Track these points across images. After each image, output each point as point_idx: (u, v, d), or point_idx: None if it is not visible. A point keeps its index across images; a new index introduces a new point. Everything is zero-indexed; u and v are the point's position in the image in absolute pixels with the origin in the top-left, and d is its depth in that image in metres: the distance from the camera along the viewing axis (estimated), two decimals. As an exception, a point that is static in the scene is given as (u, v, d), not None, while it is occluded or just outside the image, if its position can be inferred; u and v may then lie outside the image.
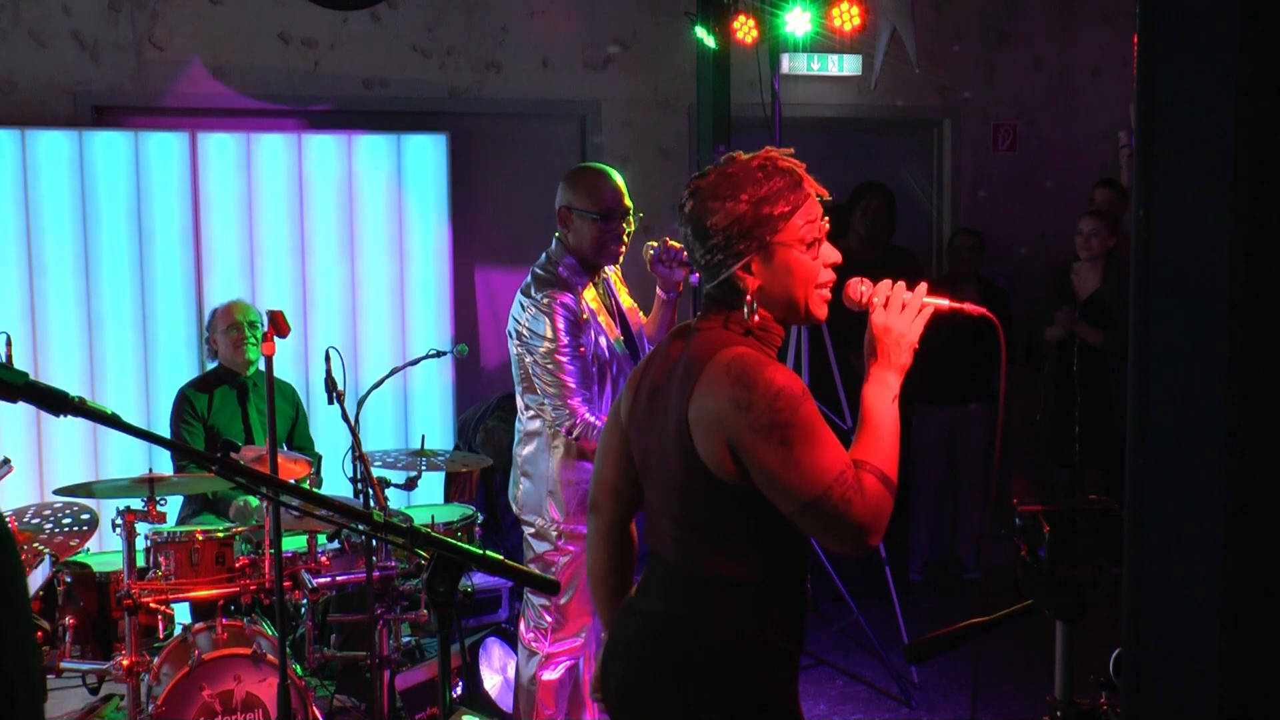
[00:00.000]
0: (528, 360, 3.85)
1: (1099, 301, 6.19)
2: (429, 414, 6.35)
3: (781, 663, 2.34)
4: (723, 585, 2.25)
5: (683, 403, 2.22)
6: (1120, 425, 6.56)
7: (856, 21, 5.67)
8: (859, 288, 2.40)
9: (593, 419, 3.78)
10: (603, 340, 3.89)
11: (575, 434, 3.80)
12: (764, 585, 2.26)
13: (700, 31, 6.06)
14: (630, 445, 2.45)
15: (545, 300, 3.80)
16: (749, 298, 2.25)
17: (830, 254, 2.33)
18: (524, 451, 4.02)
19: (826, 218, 2.34)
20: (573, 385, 3.80)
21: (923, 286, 2.37)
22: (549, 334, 3.78)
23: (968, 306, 2.41)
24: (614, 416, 2.53)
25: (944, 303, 2.38)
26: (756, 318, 2.26)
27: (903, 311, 2.33)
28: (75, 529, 4.59)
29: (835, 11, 5.65)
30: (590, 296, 3.89)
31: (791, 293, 2.28)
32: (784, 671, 2.36)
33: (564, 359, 3.79)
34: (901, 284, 2.36)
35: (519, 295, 3.90)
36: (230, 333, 5.19)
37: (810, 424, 2.14)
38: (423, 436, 5.09)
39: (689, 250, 2.35)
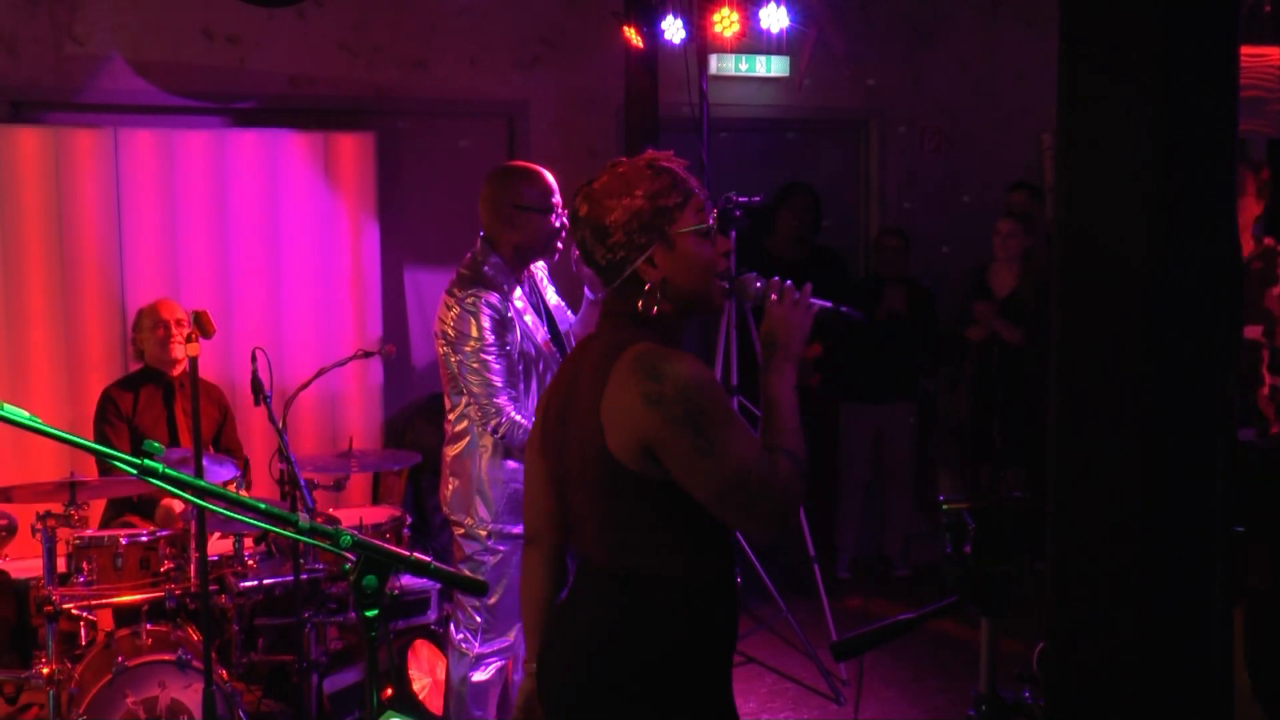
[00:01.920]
0: (453, 360, 3.85)
1: (1016, 301, 6.28)
2: (357, 415, 6.30)
3: (718, 657, 2.35)
4: (653, 584, 2.27)
5: (595, 406, 2.24)
6: (1039, 423, 6.67)
7: (784, 23, 5.71)
8: (754, 282, 2.51)
9: (519, 418, 3.78)
10: (529, 339, 3.89)
11: (501, 433, 3.80)
12: (693, 581, 2.27)
13: (628, 31, 6.06)
14: (550, 464, 2.46)
15: (470, 299, 3.80)
16: (651, 289, 2.31)
17: (723, 244, 2.43)
18: (452, 452, 4.01)
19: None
20: (499, 384, 3.80)
21: (808, 287, 2.48)
22: (474, 333, 3.78)
23: (845, 309, 2.59)
24: (533, 444, 2.54)
25: (827, 304, 2.53)
26: (656, 309, 2.31)
27: (796, 307, 2.43)
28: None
29: (763, 12, 5.69)
30: (516, 295, 3.90)
31: (694, 282, 2.35)
32: (721, 666, 2.37)
33: (489, 358, 3.79)
34: (790, 281, 2.48)
35: (445, 295, 3.89)
36: (157, 330, 5.12)
37: (722, 410, 2.19)
38: (350, 440, 5.04)
39: (587, 254, 2.39)
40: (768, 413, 2.32)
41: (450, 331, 3.83)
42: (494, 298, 3.81)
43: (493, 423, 3.80)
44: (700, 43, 5.82)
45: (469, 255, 3.95)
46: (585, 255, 2.39)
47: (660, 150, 2.49)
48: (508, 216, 3.89)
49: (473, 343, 3.78)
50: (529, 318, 3.91)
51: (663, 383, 2.17)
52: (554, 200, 3.90)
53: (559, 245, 3.95)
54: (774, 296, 2.45)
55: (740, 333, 5.50)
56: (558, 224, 3.89)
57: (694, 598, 2.28)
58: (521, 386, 3.87)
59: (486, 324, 3.79)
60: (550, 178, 3.94)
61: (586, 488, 2.32)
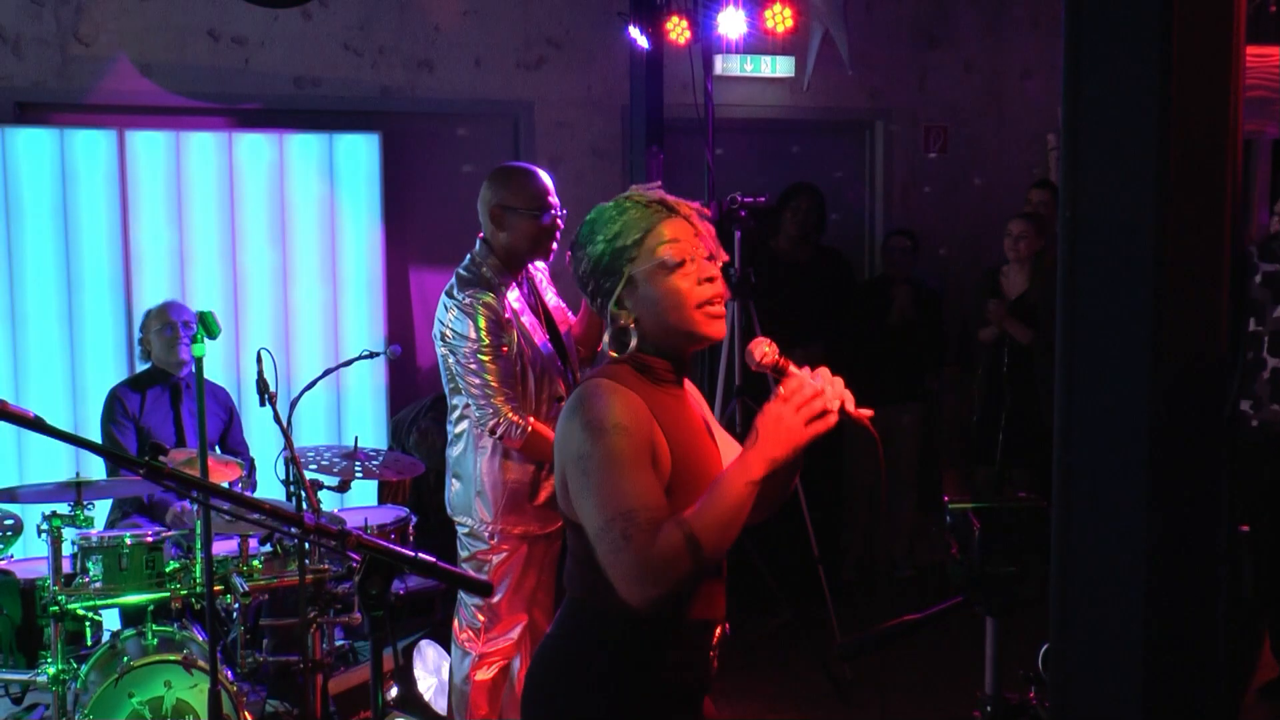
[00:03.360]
0: (451, 361, 3.85)
1: (1027, 303, 6.27)
2: (362, 415, 6.31)
3: (647, 696, 2.31)
4: (600, 616, 2.28)
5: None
6: (1046, 425, 6.67)
7: (790, 23, 5.71)
8: (762, 347, 2.26)
9: (517, 418, 3.78)
10: (526, 341, 3.89)
11: (499, 433, 3.80)
12: (631, 618, 2.21)
13: (633, 32, 6.06)
14: None
15: (468, 300, 3.80)
16: (619, 330, 2.29)
17: (706, 270, 2.28)
18: (454, 453, 4.02)
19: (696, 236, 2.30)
20: (496, 384, 3.79)
21: (838, 383, 2.26)
22: (472, 334, 3.78)
23: (864, 415, 2.28)
24: None
25: (849, 407, 2.25)
26: (631, 348, 2.29)
27: (799, 412, 2.19)
28: (-1, 534, 4.51)
29: (769, 13, 5.69)
30: (514, 297, 3.90)
31: (666, 318, 2.27)
32: (649, 704, 2.32)
33: (487, 359, 3.79)
34: (818, 373, 2.25)
35: (443, 297, 3.90)
36: (164, 332, 5.12)
37: (615, 457, 2.14)
38: (355, 438, 5.05)
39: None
40: (710, 486, 2.18)
41: (448, 333, 3.84)
42: (491, 299, 3.82)
43: (491, 423, 3.80)
44: (705, 43, 5.82)
45: (468, 257, 3.96)
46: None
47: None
48: (496, 217, 3.90)
49: (470, 344, 3.79)
50: (526, 319, 3.91)
51: (576, 419, 2.19)
52: (542, 201, 3.87)
53: (552, 246, 3.94)
54: (780, 390, 2.23)
55: (745, 335, 5.49)
56: (547, 224, 3.88)
57: (648, 634, 2.26)
58: (520, 388, 3.87)
59: (483, 325, 3.78)
60: (543, 178, 3.93)
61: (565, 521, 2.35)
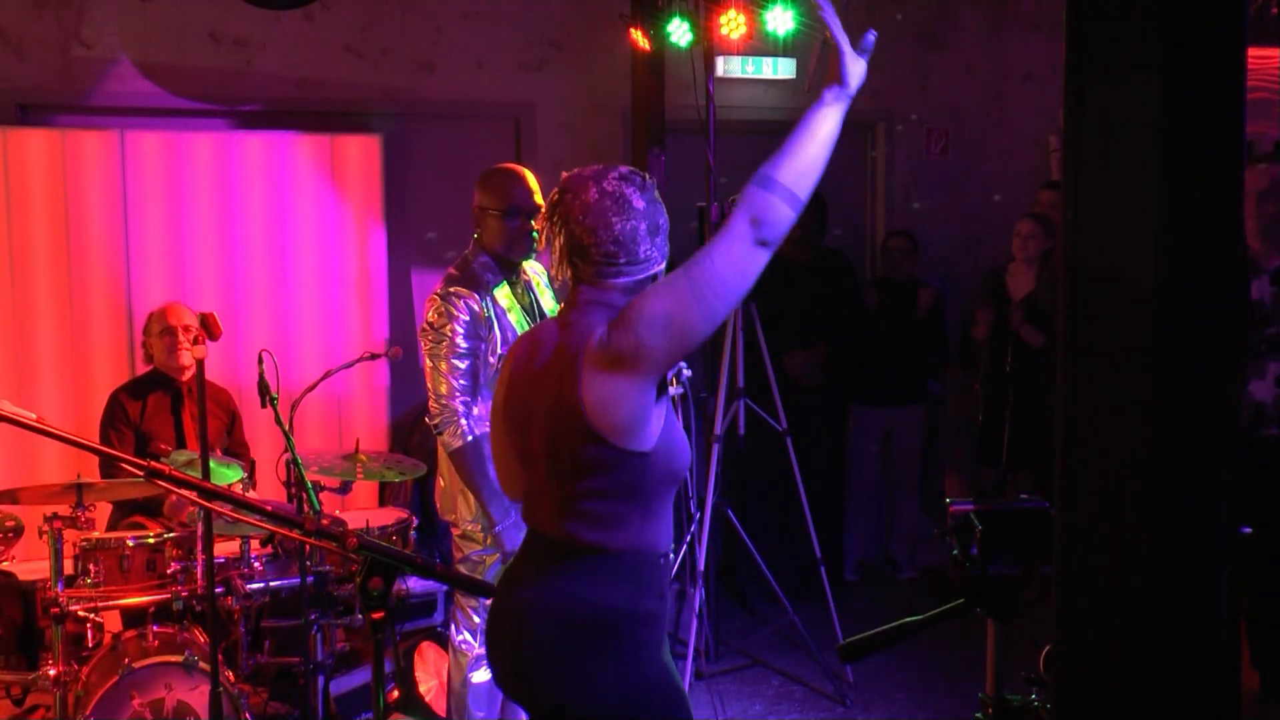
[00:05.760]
0: (423, 350, 3.87)
1: (1034, 304, 6.27)
2: (363, 417, 6.31)
3: (653, 620, 2.50)
4: (598, 554, 2.43)
5: (573, 393, 2.40)
6: (1050, 426, 6.64)
7: (743, 30, 5.71)
8: None
9: (465, 424, 3.78)
10: (511, 338, 3.88)
11: (443, 436, 3.81)
12: (638, 551, 2.44)
13: (634, 34, 6.06)
14: (516, 441, 2.61)
15: (452, 298, 3.83)
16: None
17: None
18: (440, 451, 4.03)
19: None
20: (458, 385, 3.80)
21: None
22: (447, 331, 3.80)
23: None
24: (501, 419, 2.67)
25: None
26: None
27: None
28: (0, 536, 4.51)
29: (723, 19, 5.68)
30: (503, 294, 3.90)
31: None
32: (652, 630, 2.50)
33: (455, 360, 3.80)
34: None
35: (431, 294, 3.92)
36: (164, 336, 5.11)
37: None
38: (357, 440, 5.05)
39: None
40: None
41: (426, 324, 3.88)
42: (474, 300, 3.83)
43: (438, 420, 3.81)
44: (707, 45, 5.82)
45: (462, 255, 3.98)
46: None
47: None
48: (475, 217, 3.96)
49: (445, 343, 3.80)
50: (514, 316, 3.91)
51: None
52: (513, 202, 3.87)
53: (522, 246, 3.92)
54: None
55: (746, 336, 5.49)
56: (513, 226, 3.87)
57: (636, 567, 2.44)
58: (486, 392, 3.86)
59: (460, 328, 3.80)
60: (522, 180, 3.92)
61: (551, 467, 2.47)
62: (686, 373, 2.85)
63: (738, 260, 2.30)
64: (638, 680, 2.44)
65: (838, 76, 2.35)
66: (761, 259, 2.35)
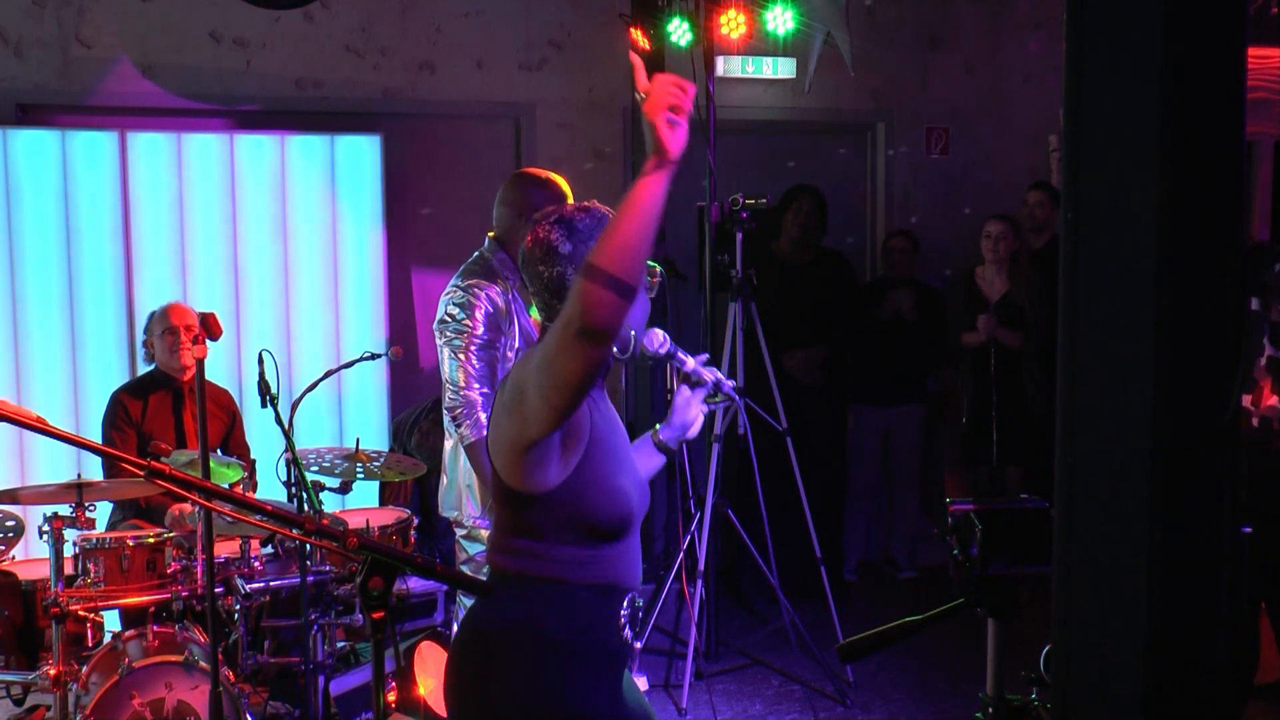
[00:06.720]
0: (441, 344, 3.86)
1: (1010, 304, 6.27)
2: (364, 416, 6.30)
3: (577, 654, 2.47)
4: (526, 581, 2.45)
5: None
6: (1036, 423, 6.66)
7: (743, 30, 5.72)
8: (658, 336, 2.67)
9: (483, 417, 3.77)
10: (526, 336, 3.90)
11: (459, 424, 3.80)
12: (568, 583, 2.44)
13: (634, 33, 6.06)
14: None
15: (474, 288, 3.82)
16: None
17: None
18: (446, 448, 4.02)
19: None
20: (476, 375, 3.79)
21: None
22: (468, 322, 3.79)
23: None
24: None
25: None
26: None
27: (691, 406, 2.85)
28: (0, 536, 4.51)
29: (722, 18, 5.69)
30: (522, 289, 3.91)
31: None
32: (578, 664, 2.47)
33: (474, 349, 3.79)
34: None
35: (448, 286, 3.92)
36: (166, 336, 5.10)
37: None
38: (357, 439, 5.04)
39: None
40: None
41: (445, 317, 3.86)
42: (495, 291, 3.84)
43: (457, 412, 3.80)
44: (707, 45, 5.82)
45: (476, 252, 3.98)
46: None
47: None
48: (513, 214, 3.94)
49: (465, 332, 3.79)
50: (534, 314, 3.92)
51: None
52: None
53: None
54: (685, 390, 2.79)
55: (746, 336, 5.50)
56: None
57: (573, 598, 2.44)
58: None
59: (481, 316, 3.80)
60: (565, 186, 3.98)
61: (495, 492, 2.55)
62: (728, 383, 2.85)
63: (565, 352, 2.23)
64: (536, 711, 2.40)
65: (658, 147, 2.16)
66: (589, 350, 2.21)
